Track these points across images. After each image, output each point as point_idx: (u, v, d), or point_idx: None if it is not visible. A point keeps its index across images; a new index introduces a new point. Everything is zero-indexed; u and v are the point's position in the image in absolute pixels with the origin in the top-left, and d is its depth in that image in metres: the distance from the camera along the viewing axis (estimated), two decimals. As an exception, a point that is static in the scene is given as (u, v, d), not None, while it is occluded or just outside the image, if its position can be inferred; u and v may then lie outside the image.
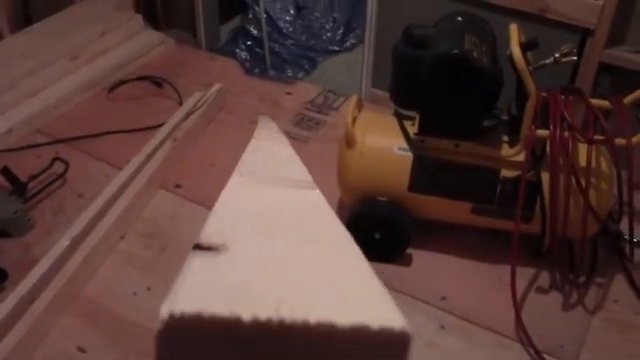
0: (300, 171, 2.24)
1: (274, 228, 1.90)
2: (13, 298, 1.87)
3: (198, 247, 1.75)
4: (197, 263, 1.72)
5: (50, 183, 2.40)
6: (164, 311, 1.54)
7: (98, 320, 1.95)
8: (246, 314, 1.55)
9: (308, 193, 2.11)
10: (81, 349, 1.87)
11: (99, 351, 1.86)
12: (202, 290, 1.59)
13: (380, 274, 2.05)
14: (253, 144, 2.43)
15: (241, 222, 1.91)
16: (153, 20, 3.43)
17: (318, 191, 2.11)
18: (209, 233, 1.84)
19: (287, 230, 1.91)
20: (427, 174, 2.05)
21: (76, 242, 2.07)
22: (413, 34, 2.02)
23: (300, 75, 3.50)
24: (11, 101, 2.72)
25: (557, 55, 1.95)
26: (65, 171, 2.44)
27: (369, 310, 1.60)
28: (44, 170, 2.41)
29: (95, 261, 2.09)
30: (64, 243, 2.05)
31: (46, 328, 1.89)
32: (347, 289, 1.68)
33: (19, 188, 2.31)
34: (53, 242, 2.07)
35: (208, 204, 2.28)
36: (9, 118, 2.66)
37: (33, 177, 2.37)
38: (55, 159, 2.45)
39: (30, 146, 2.62)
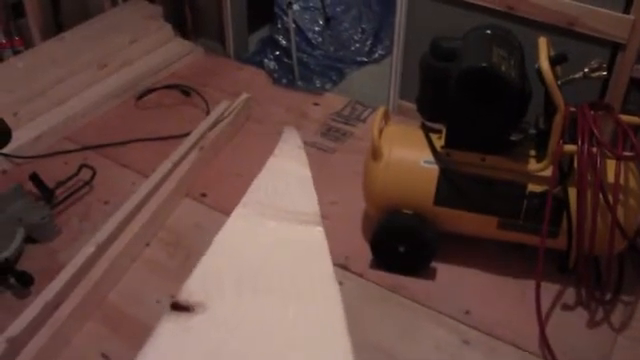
0: (309, 200, 2.24)
1: (261, 281, 1.92)
2: (39, 303, 1.89)
3: (175, 306, 1.78)
4: (168, 328, 1.74)
5: (77, 190, 2.42)
6: None
7: (121, 327, 1.96)
8: None
9: (310, 230, 2.11)
10: (105, 355, 1.88)
11: (122, 358, 1.87)
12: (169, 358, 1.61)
13: (404, 288, 2.05)
14: (271, 163, 2.44)
15: (227, 274, 1.93)
16: (182, 29, 3.45)
17: (320, 228, 2.12)
18: (190, 289, 1.87)
19: (273, 283, 1.92)
20: (453, 188, 2.04)
21: (101, 249, 2.09)
22: (441, 46, 2.01)
23: (328, 86, 3.49)
24: (40, 108, 2.74)
25: (586, 70, 1.94)
26: (92, 178, 2.46)
27: None
28: (71, 177, 2.43)
29: (119, 268, 2.10)
30: (89, 249, 2.06)
31: (70, 333, 1.91)
32: (319, 356, 1.70)
33: (47, 194, 2.33)
34: (79, 248, 2.09)
35: (233, 214, 2.29)
36: (38, 125, 2.69)
37: (60, 183, 2.39)
38: (82, 166, 2.47)
39: (58, 153, 2.65)
